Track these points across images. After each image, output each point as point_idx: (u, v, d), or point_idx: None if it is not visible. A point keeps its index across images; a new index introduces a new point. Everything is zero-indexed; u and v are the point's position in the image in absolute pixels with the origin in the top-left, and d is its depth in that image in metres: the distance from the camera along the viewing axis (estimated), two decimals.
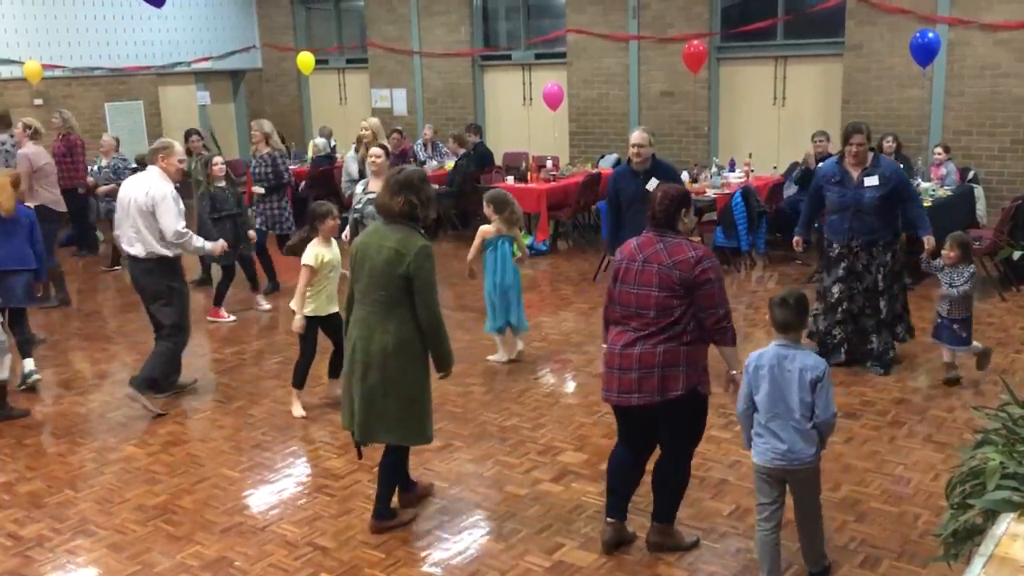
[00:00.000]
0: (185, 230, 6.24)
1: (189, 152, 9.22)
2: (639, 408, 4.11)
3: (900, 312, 6.70)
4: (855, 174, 6.33)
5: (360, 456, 4.75)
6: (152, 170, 6.29)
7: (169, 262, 6.31)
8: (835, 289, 6.56)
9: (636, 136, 6.91)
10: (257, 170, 9.37)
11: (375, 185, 6.56)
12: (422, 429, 4.51)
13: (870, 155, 6.39)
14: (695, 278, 3.98)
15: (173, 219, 6.14)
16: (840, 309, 6.59)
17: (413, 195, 4.33)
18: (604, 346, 4.29)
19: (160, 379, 6.43)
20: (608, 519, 4.40)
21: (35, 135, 9.46)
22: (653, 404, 4.07)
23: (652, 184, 6.78)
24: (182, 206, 6.31)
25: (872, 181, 6.27)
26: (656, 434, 4.27)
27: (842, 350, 6.68)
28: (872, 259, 6.42)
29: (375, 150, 7.12)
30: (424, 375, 4.45)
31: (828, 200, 6.50)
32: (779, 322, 3.89)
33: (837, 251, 6.52)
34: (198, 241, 6.39)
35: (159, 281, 6.29)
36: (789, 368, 3.81)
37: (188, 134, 10.08)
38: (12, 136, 10.93)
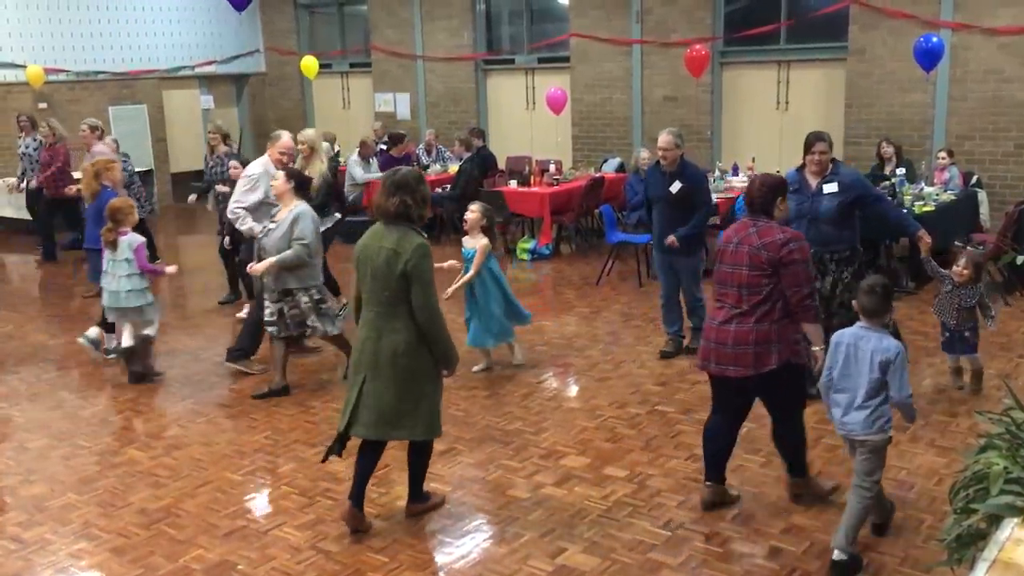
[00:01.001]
0: (241, 209, 7.15)
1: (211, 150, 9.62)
2: (734, 379, 4.51)
3: None
4: (814, 182, 6.01)
5: (339, 455, 4.68)
6: (265, 156, 7.34)
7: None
8: None
9: (661, 139, 6.98)
10: (215, 169, 9.44)
11: (282, 215, 6.37)
12: (431, 425, 4.57)
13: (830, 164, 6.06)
14: (781, 258, 4.39)
15: (239, 194, 7.21)
16: None
17: (408, 195, 4.39)
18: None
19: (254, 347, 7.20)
20: (706, 483, 4.81)
21: (103, 135, 10.06)
22: (748, 377, 4.46)
23: (676, 187, 6.93)
24: (260, 194, 7.11)
25: (831, 188, 5.95)
26: (749, 404, 4.69)
27: None
28: (823, 273, 5.89)
29: (279, 175, 6.53)
30: (432, 372, 4.51)
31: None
32: (863, 308, 4.20)
33: None
34: (244, 224, 7.15)
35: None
36: (863, 348, 4.12)
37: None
38: (36, 139, 11.01)
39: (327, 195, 7.95)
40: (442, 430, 4.71)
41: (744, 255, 4.47)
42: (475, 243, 6.78)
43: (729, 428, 4.75)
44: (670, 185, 6.97)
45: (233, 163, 8.76)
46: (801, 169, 6.17)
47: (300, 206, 6.33)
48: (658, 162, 7.17)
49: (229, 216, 7.39)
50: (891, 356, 4.05)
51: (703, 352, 4.65)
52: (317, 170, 7.81)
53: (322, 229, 7.38)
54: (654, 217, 7.25)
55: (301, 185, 6.50)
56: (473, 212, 6.87)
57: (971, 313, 6.16)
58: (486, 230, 6.82)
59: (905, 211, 5.97)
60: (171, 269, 7.31)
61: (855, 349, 4.14)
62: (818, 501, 4.78)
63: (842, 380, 4.20)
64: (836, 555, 4.14)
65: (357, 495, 4.65)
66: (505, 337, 7.01)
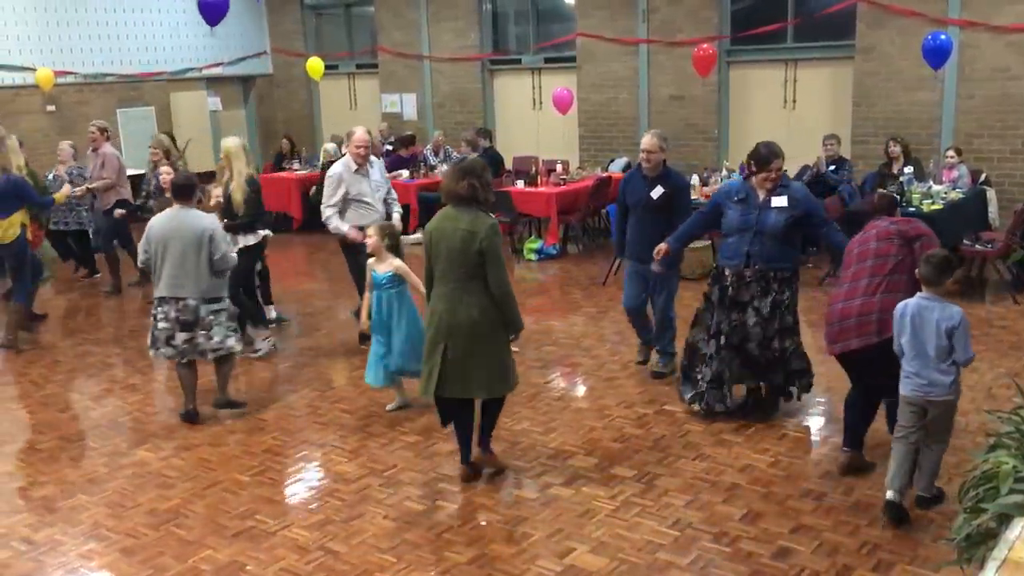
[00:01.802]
0: (328, 209, 7.43)
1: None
2: (858, 352, 4.83)
3: (800, 366, 5.87)
4: (762, 194, 5.68)
5: (445, 424, 5.27)
6: (346, 155, 7.64)
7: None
8: (724, 326, 5.75)
9: (646, 140, 6.56)
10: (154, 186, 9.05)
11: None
12: (507, 381, 5.08)
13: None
14: (909, 231, 4.84)
15: (325, 197, 7.49)
16: (727, 347, 5.77)
17: (475, 179, 4.87)
18: None
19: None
20: (844, 448, 5.18)
21: (109, 136, 9.92)
22: (871, 345, 4.76)
23: (657, 192, 6.49)
24: (343, 190, 7.38)
25: (780, 201, 5.61)
26: (876, 374, 4.93)
27: (727, 397, 5.87)
28: (764, 292, 5.63)
29: (164, 168, 6.52)
30: (503, 337, 5.01)
31: (727, 220, 5.76)
32: (924, 278, 4.46)
33: (728, 279, 5.71)
34: (331, 223, 7.44)
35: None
36: (928, 318, 4.40)
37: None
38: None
39: (256, 211, 7.40)
40: (517, 381, 5.22)
41: (872, 232, 4.95)
42: (387, 266, 6.07)
43: (865, 401, 5.08)
44: (651, 190, 6.51)
45: (164, 169, 8.45)
46: (748, 179, 5.86)
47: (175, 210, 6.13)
48: (639, 166, 6.70)
49: (323, 220, 7.49)
50: (954, 324, 4.35)
51: (828, 335, 4.98)
52: (237, 185, 7.31)
53: (244, 246, 7.22)
54: (631, 225, 6.71)
55: (179, 190, 6.09)
56: (370, 236, 6.21)
57: None
58: (393, 249, 6.20)
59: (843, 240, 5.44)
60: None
61: (920, 319, 4.41)
62: (864, 471, 5.10)
63: (914, 348, 4.45)
64: (921, 492, 4.65)
65: (465, 455, 5.22)
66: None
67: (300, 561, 4.45)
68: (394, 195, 7.97)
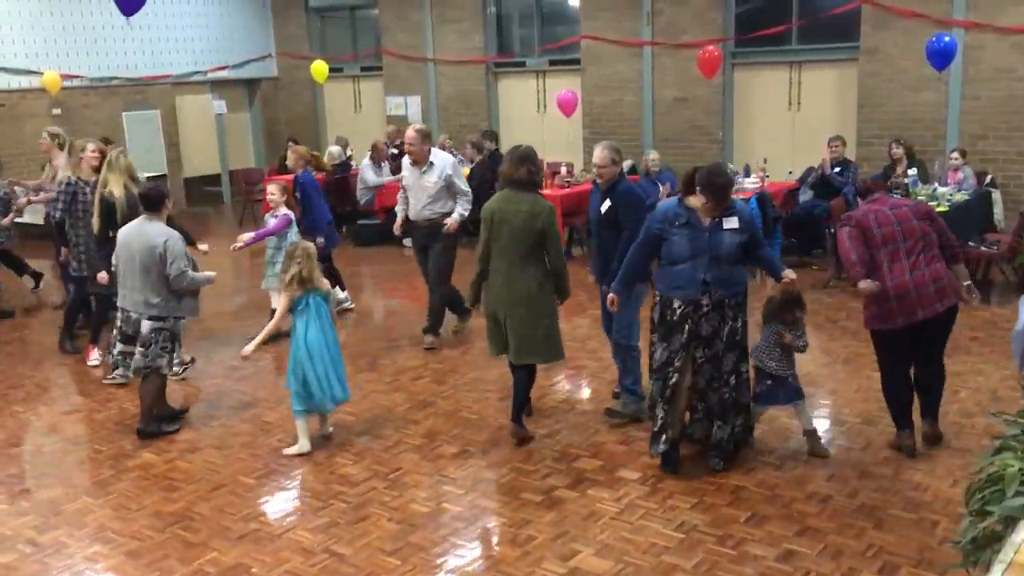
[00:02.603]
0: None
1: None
2: (937, 318, 5.17)
3: (744, 399, 5.35)
4: (707, 218, 5.12)
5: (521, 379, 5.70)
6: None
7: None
8: (677, 361, 5.14)
9: (597, 154, 5.85)
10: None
11: None
12: (558, 349, 5.70)
13: None
14: (928, 210, 5.38)
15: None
16: (682, 387, 5.18)
17: (532, 165, 5.48)
18: (867, 282, 5.14)
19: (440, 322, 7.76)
20: (902, 431, 5.43)
21: (62, 145, 8.82)
22: (953, 305, 5.21)
23: (605, 206, 5.87)
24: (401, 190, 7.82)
25: (732, 223, 5.11)
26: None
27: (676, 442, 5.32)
28: (723, 321, 5.12)
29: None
30: (554, 307, 5.64)
31: (673, 247, 5.14)
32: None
33: (680, 311, 5.11)
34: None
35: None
36: None
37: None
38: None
39: (108, 224, 6.85)
40: (564, 354, 5.83)
41: (906, 212, 5.25)
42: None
43: (907, 375, 5.40)
44: (601, 204, 5.91)
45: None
46: (683, 200, 5.23)
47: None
48: (595, 181, 6.13)
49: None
50: None
51: (899, 309, 5.14)
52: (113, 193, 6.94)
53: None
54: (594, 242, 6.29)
55: (146, 201, 5.98)
56: (283, 272, 5.75)
57: (792, 353, 5.43)
58: (302, 283, 5.64)
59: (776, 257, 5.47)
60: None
61: None
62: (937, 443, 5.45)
63: None
64: None
65: (516, 415, 5.70)
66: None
67: (305, 563, 4.45)
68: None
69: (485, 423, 6.10)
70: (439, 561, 4.45)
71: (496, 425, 6.04)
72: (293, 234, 7.64)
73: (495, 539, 4.65)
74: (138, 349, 5.97)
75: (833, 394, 6.40)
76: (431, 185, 7.55)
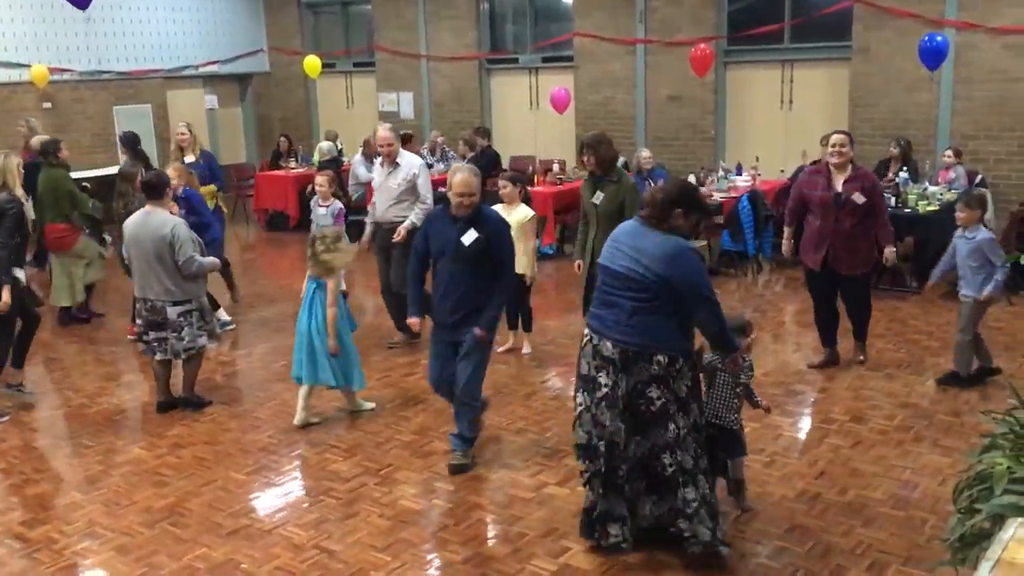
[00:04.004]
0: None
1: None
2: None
3: (704, 494, 4.22)
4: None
5: None
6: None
7: None
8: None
9: (458, 179, 5.15)
10: None
11: None
12: None
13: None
14: (875, 188, 6.56)
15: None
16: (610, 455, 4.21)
17: (604, 149, 6.52)
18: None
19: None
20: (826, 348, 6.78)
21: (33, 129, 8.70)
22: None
23: (469, 237, 5.13)
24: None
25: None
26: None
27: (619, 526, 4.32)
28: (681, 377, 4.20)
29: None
30: None
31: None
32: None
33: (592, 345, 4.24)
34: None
35: None
36: None
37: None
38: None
39: (14, 228, 6.41)
40: None
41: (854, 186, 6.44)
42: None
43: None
44: (462, 235, 5.15)
45: None
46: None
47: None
48: (446, 205, 5.31)
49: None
50: None
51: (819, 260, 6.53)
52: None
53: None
54: (436, 279, 5.33)
55: (148, 188, 6.18)
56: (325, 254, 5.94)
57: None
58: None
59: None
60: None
61: None
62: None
63: None
64: None
65: None
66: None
67: (295, 560, 4.45)
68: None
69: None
70: (429, 557, 4.45)
71: (487, 422, 6.03)
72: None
73: (485, 535, 4.65)
74: (171, 335, 6.13)
75: (823, 393, 6.42)
76: (395, 186, 7.45)
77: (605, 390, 4.11)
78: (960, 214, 6.33)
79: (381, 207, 7.55)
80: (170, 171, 7.34)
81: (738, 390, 4.58)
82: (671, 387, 4.10)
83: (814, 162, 9.77)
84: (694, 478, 4.18)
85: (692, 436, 4.18)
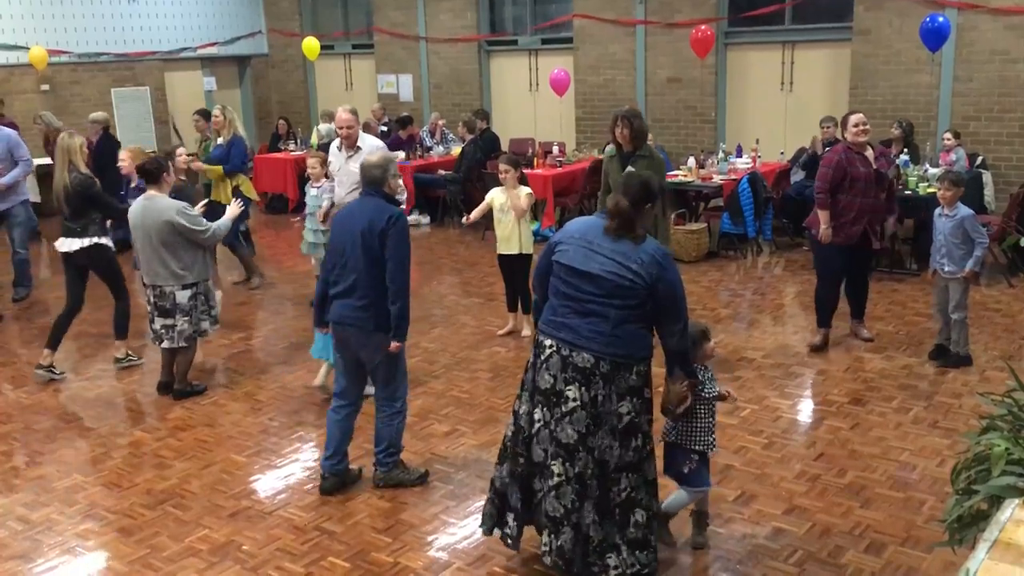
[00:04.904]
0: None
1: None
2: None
3: (644, 517, 3.94)
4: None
5: None
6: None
7: None
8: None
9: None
10: None
11: None
12: None
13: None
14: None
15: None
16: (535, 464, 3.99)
17: (638, 123, 6.37)
18: None
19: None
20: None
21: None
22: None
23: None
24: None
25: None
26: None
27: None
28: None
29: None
30: None
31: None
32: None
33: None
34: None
35: None
36: None
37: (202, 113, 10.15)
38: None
39: (107, 198, 6.81)
40: None
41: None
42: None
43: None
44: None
45: None
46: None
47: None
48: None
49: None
50: None
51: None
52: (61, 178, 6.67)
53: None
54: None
55: (145, 174, 6.15)
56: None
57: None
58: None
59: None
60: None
61: None
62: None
63: None
64: None
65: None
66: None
67: (296, 541, 4.47)
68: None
69: (476, 402, 6.11)
70: (430, 539, 4.47)
71: (487, 404, 6.05)
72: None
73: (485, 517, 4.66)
74: (181, 319, 6.12)
75: (822, 375, 6.43)
76: (356, 170, 7.12)
77: (573, 404, 3.77)
78: (946, 192, 6.33)
79: (341, 192, 7.24)
80: (122, 153, 7.36)
81: (712, 405, 4.16)
82: (643, 397, 3.85)
83: (827, 143, 9.80)
84: (647, 499, 3.91)
85: (652, 456, 3.95)
